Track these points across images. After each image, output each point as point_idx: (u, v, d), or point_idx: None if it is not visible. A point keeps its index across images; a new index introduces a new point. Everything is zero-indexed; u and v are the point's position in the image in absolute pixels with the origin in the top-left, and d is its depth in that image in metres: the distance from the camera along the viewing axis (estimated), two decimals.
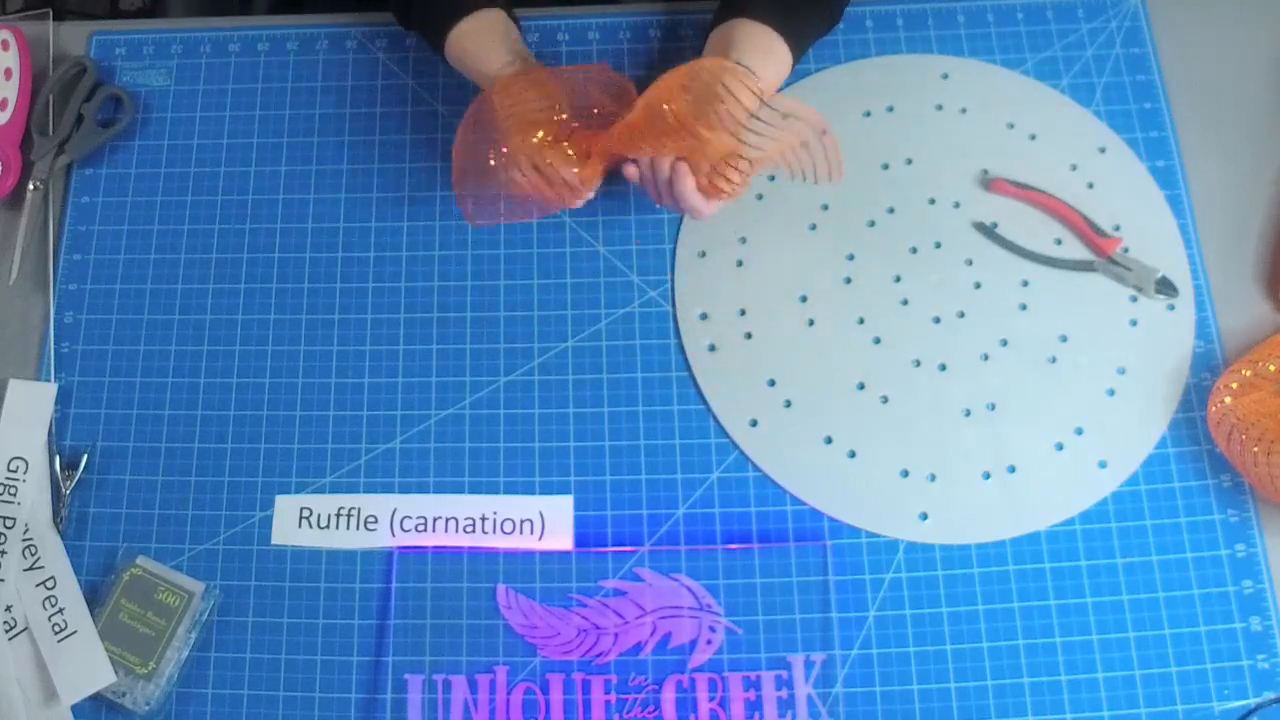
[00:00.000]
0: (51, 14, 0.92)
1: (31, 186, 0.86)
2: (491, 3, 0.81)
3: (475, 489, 0.78)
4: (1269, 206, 0.84)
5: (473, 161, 0.76)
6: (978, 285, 0.82)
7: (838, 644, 0.74)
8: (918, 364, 0.80)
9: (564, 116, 0.74)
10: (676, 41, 0.89)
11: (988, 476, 0.78)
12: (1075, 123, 0.86)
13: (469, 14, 0.80)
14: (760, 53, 0.77)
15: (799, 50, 0.80)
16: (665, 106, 0.69)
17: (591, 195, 0.77)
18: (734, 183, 0.73)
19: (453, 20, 0.79)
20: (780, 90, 0.81)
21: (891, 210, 0.84)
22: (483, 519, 0.78)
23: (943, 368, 0.80)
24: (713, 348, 0.81)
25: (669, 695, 0.73)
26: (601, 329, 0.82)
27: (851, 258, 0.83)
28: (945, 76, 0.88)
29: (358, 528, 0.77)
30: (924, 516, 0.77)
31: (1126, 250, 0.82)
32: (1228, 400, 0.77)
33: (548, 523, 0.77)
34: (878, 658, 0.74)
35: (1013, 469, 0.78)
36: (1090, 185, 0.84)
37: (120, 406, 0.81)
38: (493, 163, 0.76)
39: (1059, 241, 0.83)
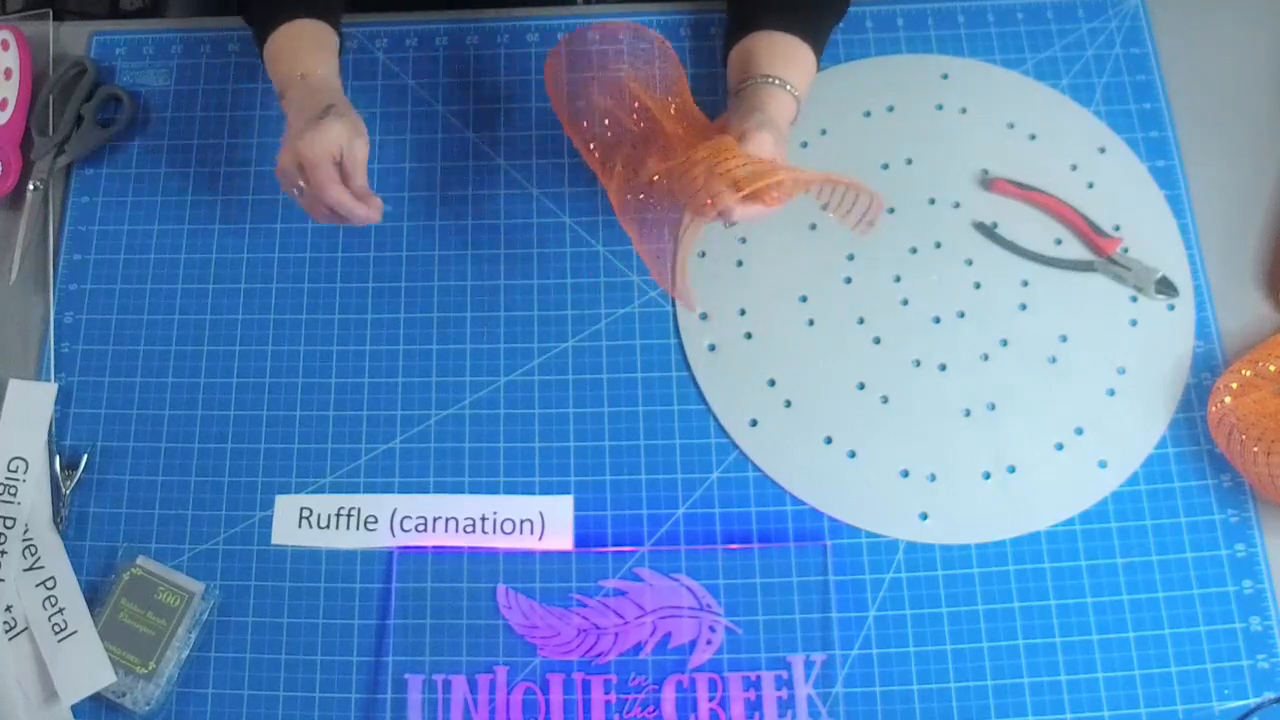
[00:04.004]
0: (51, 14, 0.92)
1: (31, 186, 0.86)
2: (315, 14, 0.79)
3: (475, 489, 0.78)
4: (1269, 206, 0.84)
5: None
6: (978, 285, 0.82)
7: (838, 644, 0.74)
8: (918, 364, 0.80)
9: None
10: (677, 41, 0.89)
11: (988, 476, 0.78)
12: (1075, 123, 0.86)
13: (291, 20, 0.78)
14: (787, 62, 0.77)
15: (821, 48, 0.80)
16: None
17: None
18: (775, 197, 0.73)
19: (274, 23, 0.78)
20: None
21: (891, 210, 0.84)
22: (483, 519, 0.77)
23: (943, 368, 0.80)
24: (713, 348, 0.81)
25: (669, 695, 0.73)
26: (601, 329, 0.82)
27: (851, 258, 0.83)
28: (945, 76, 0.88)
29: (358, 528, 0.77)
30: (924, 516, 0.77)
31: (1126, 250, 0.82)
32: (1228, 400, 0.77)
33: (548, 523, 0.77)
34: (878, 658, 0.74)
35: (1013, 469, 0.78)
36: (1090, 185, 0.84)
37: (120, 406, 0.81)
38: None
39: (1059, 241, 0.83)
